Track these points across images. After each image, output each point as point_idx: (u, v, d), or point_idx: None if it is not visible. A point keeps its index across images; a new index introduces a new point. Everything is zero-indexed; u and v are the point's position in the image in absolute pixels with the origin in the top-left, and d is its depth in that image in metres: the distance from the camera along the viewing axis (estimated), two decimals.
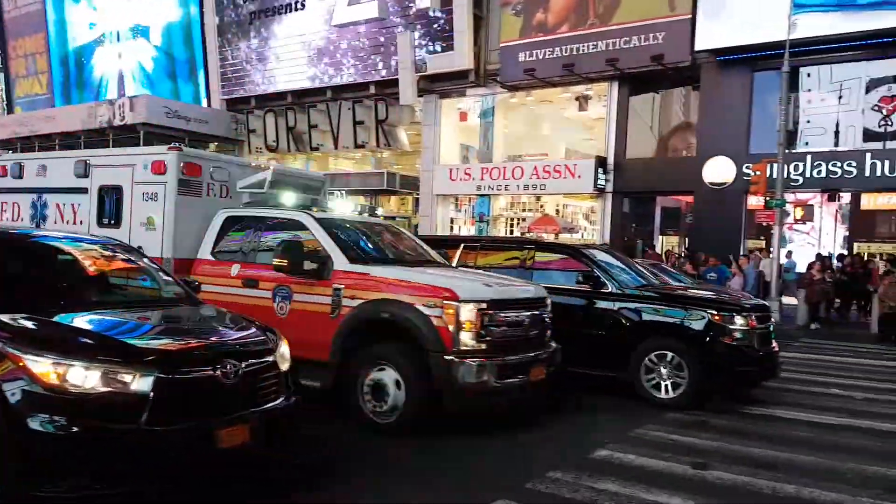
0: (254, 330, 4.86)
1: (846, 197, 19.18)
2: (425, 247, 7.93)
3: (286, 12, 26.69)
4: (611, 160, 21.01)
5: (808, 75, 18.18)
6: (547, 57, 21.04)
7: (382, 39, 24.22)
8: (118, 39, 33.78)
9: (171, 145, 7.93)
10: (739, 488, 5.12)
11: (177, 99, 30.20)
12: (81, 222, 8.26)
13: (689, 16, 18.66)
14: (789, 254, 18.53)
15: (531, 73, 21.16)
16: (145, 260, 5.80)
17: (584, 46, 20.41)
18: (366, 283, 6.27)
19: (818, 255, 18.01)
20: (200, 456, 4.00)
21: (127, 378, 3.77)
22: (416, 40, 22.64)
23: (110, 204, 8.04)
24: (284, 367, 4.67)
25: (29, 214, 8.97)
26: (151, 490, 3.92)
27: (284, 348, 4.81)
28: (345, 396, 6.23)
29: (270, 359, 4.54)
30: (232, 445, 4.08)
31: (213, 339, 4.65)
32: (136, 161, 7.79)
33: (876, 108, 17.43)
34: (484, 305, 5.95)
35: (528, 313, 6.46)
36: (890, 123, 17.26)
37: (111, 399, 3.74)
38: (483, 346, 5.93)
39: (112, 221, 7.95)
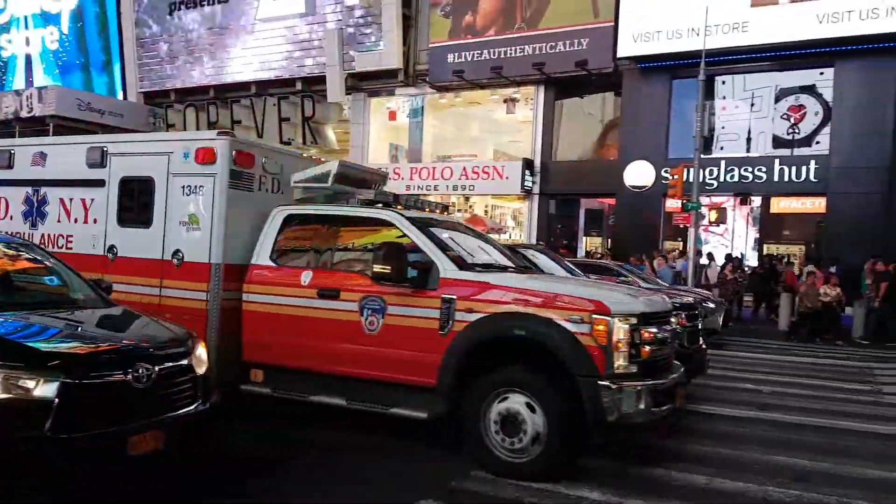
0: (169, 332, 4.68)
1: (757, 200, 20.10)
2: (505, 249, 7.10)
3: (209, 4, 25.95)
4: (537, 162, 21.39)
5: (723, 83, 19.02)
6: (475, 59, 21.22)
7: (309, 35, 23.87)
8: (26, 26, 32.08)
9: (222, 129, 6.71)
10: (655, 481, 5.28)
11: (90, 90, 28.91)
12: (96, 220, 6.97)
13: (612, 23, 19.18)
14: (681, 254, 19.24)
15: (460, 74, 21.30)
16: (52, 259, 5.50)
17: (511, 50, 20.69)
18: (486, 294, 5.34)
19: (709, 255, 18.70)
20: (110, 463, 3.82)
21: (29, 384, 3.57)
22: (344, 37, 22.44)
23: (137, 199, 6.82)
24: (201, 370, 4.52)
25: (21, 212, 7.55)
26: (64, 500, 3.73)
27: (201, 351, 4.65)
28: (460, 428, 5.39)
29: (186, 362, 4.38)
30: (144, 452, 3.91)
31: (124, 341, 4.45)
32: (172, 148, 6.63)
33: (785, 116, 18.38)
34: (634, 320, 5.09)
35: (669, 328, 5.66)
36: (797, 131, 18.23)
37: (11, 406, 3.52)
38: (634, 369, 5.05)
39: (139, 220, 6.76)
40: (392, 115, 24.60)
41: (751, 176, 18.41)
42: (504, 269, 6.19)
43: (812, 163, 17.72)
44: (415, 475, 5.25)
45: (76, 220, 7.13)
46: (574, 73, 20.00)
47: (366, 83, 23.52)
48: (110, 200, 6.92)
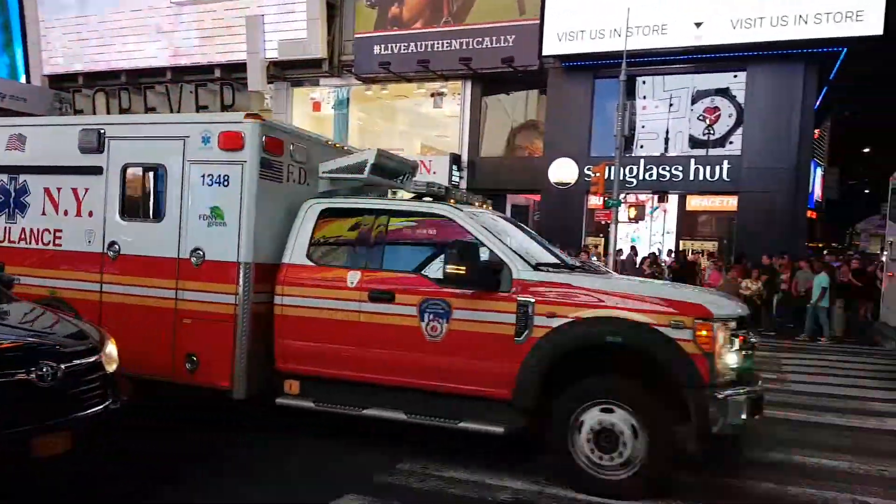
0: (75, 328, 4.40)
1: (674, 198, 20.79)
2: (554, 248, 6.78)
3: None
4: (465, 158, 21.47)
5: (644, 83, 19.56)
6: (402, 51, 21.08)
7: (229, 21, 23.14)
8: None
9: (249, 112, 6.01)
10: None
11: None
12: (91, 213, 6.22)
13: (538, 21, 19.41)
14: (587, 248, 19.66)
15: (386, 66, 21.12)
16: None
17: (438, 44, 20.65)
18: (569, 297, 4.95)
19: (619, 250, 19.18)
20: (13, 467, 3.56)
21: None
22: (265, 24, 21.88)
23: (144, 189, 6.11)
24: (111, 368, 4.26)
25: None
26: None
27: (111, 348, 4.38)
28: (536, 441, 5.17)
29: (94, 359, 4.12)
30: (51, 455, 3.67)
31: (28, 338, 4.15)
32: (188, 132, 5.90)
33: (701, 117, 19.07)
34: (734, 324, 4.83)
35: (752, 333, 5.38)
36: (712, 132, 18.96)
37: None
38: (734, 377, 4.80)
39: (148, 213, 6.07)
40: (316, 106, 24.13)
41: (668, 174, 19.03)
42: (573, 268, 5.76)
43: (725, 163, 18.47)
44: (337, 469, 5.21)
45: (66, 213, 6.36)
46: (501, 70, 20.16)
47: (288, 72, 22.99)
48: (110, 190, 6.18)
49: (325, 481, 4.92)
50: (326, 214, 5.85)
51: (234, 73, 23.21)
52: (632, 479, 4.69)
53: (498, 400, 5.05)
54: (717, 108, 18.94)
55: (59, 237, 6.38)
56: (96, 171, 6.23)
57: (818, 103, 19.47)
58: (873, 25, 16.28)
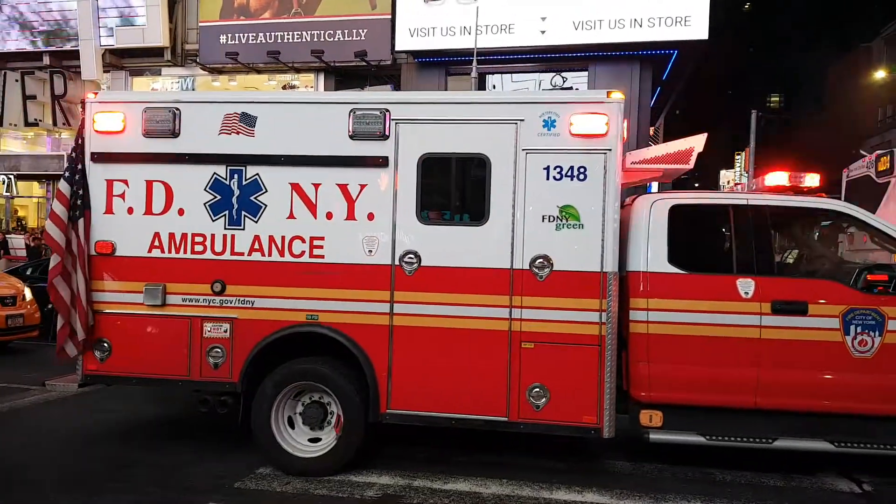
0: None
1: None
2: None
3: None
4: None
5: (494, 79, 20.15)
6: (250, 42, 20.35)
7: (59, 5, 21.29)
8: None
9: (609, 89, 5.07)
10: (448, 460, 5.41)
11: None
12: (372, 216, 5.16)
13: (389, 16, 19.43)
14: None
15: (234, 56, 20.30)
16: None
17: (288, 35, 20.14)
18: None
19: None
20: None
21: None
22: (99, 10, 20.34)
23: (455, 185, 5.21)
24: None
25: (206, 203, 5.38)
26: None
27: None
28: None
29: None
30: None
31: None
32: (523, 114, 5.01)
33: None
34: None
35: None
36: None
37: None
38: None
39: (463, 215, 5.14)
40: None
41: None
42: None
43: None
44: (197, 478, 5.00)
45: (330, 216, 5.24)
46: (354, 64, 20.00)
47: (127, 61, 21.49)
48: (402, 187, 5.16)
49: (183, 491, 4.71)
50: (676, 212, 5.18)
51: (65, 60, 21.43)
52: None
53: None
54: None
55: (320, 246, 5.26)
56: (378, 162, 5.19)
57: (653, 102, 20.95)
58: (700, 30, 17.72)
